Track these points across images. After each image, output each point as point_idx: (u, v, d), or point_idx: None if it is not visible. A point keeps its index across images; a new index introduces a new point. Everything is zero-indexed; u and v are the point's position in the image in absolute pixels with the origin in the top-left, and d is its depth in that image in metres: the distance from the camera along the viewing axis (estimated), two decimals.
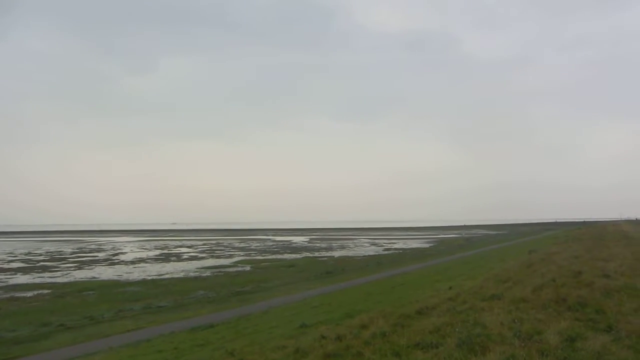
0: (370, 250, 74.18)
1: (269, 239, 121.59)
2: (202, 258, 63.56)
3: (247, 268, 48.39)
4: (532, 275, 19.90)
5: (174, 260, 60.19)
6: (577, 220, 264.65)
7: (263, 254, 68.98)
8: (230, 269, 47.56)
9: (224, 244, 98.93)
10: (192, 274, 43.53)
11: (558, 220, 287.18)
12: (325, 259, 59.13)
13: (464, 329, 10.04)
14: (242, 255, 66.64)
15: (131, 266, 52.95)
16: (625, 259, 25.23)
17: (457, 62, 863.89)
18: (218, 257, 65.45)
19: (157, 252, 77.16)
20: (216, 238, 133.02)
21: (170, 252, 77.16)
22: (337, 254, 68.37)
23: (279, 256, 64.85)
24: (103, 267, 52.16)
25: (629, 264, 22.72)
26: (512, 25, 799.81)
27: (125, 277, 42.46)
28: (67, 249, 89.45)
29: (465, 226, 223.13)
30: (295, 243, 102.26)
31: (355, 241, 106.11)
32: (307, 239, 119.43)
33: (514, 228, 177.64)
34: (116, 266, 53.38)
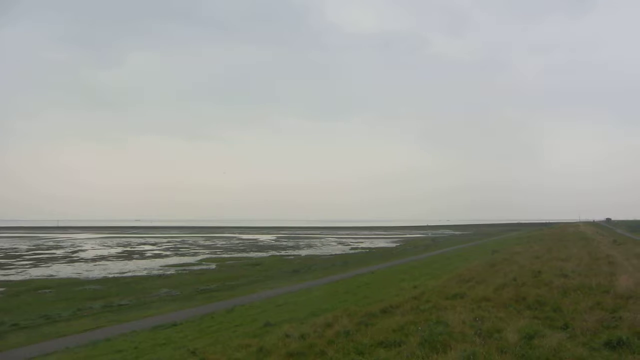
0: (337, 249, 74.53)
1: (235, 237, 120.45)
2: (167, 256, 62.38)
3: (213, 266, 47.77)
4: (494, 275, 20.42)
5: (137, 258, 58.82)
6: (539, 222, 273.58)
7: (229, 252, 68.26)
8: (195, 267, 46.85)
9: (189, 242, 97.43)
10: (155, 272, 42.63)
11: (521, 222, 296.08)
12: (292, 257, 59.04)
13: (426, 328, 10.19)
14: (208, 254, 65.75)
15: (91, 264, 51.40)
16: (582, 259, 26.23)
17: (427, 63, 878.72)
18: (183, 255, 64.38)
19: (120, 249, 75.27)
20: (181, 236, 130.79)
21: (133, 249, 75.40)
22: (304, 252, 68.37)
23: (245, 254, 64.33)
24: (61, 265, 50.41)
25: (585, 264, 23.62)
26: (482, 28, 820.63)
27: (85, 275, 41.17)
28: (23, 245, 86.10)
29: (429, 226, 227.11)
30: (262, 241, 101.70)
31: (322, 240, 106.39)
32: (274, 238, 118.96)
33: (479, 229, 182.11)
34: (75, 264, 51.70)
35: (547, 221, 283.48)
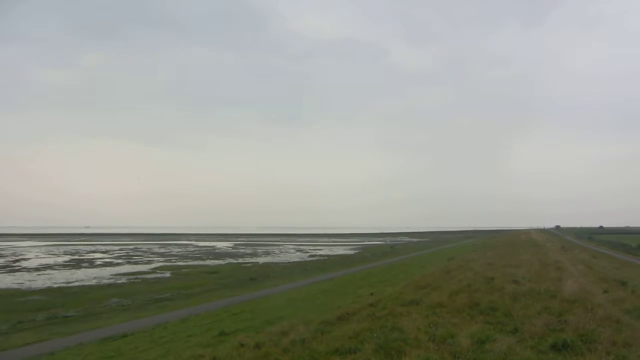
0: (296, 257, 74.25)
1: (191, 245, 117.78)
2: (118, 264, 60.16)
3: (167, 274, 46.48)
4: (449, 281, 20.88)
5: (85, 267, 56.37)
6: (493, 229, 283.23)
7: (184, 260, 66.66)
8: (149, 276, 45.41)
9: (143, 249, 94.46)
10: (105, 281, 41.01)
11: (477, 229, 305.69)
12: (250, 265, 58.34)
13: (382, 334, 10.24)
14: (162, 261, 63.95)
15: (35, 273, 48.72)
16: (533, 266, 27.26)
17: (386, 72, 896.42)
18: (135, 263, 62.30)
19: (67, 257, 71.87)
20: (134, 243, 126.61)
21: (81, 257, 72.25)
22: (261, 260, 67.71)
23: (201, 262, 63.00)
24: (1, 275, 47.58)
25: (535, 270, 24.55)
26: (441, 38, 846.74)
27: (27, 285, 39.00)
28: None
29: (388, 233, 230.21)
30: (219, 249, 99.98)
31: (280, 247, 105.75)
32: (232, 245, 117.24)
33: (437, 236, 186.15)
34: (17, 273, 48.80)
35: (501, 228, 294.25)
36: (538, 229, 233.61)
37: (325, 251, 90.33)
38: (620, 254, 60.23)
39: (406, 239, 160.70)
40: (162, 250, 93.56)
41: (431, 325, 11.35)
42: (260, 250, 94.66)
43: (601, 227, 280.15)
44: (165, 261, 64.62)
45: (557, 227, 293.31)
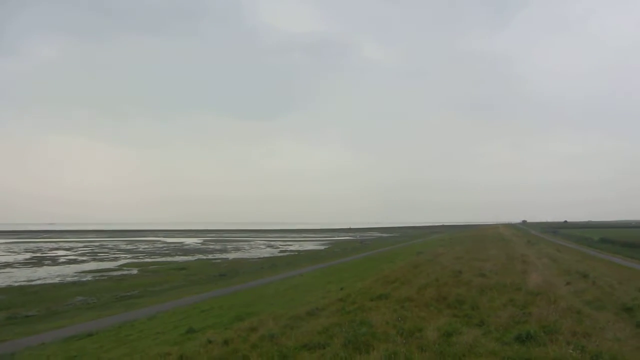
0: (266, 252, 73.92)
1: (160, 241, 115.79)
2: (83, 261, 58.53)
3: (134, 271, 45.50)
4: (418, 276, 21.15)
5: (48, 265, 54.59)
6: (462, 224, 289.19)
7: (152, 257, 65.43)
8: (115, 273, 44.36)
9: (109, 246, 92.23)
10: (69, 279, 39.81)
11: (446, 224, 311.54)
12: (219, 261, 57.73)
13: (350, 329, 10.29)
14: (129, 258, 62.59)
15: None
16: (499, 259, 27.91)
17: (356, 67, 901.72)
18: (101, 260, 60.76)
19: (28, 255, 69.44)
20: (100, 240, 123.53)
21: (44, 255, 69.95)
22: (231, 256, 67.11)
23: (170, 258, 61.98)
24: None
25: (502, 264, 25.15)
26: (409, 36, 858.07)
27: None
28: None
29: (358, 229, 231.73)
30: (188, 245, 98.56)
31: (250, 243, 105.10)
32: (201, 241, 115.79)
33: (406, 231, 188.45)
34: None
35: (470, 223, 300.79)
36: (505, 223, 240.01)
37: (295, 247, 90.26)
38: (583, 247, 62.48)
39: (376, 234, 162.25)
40: (129, 246, 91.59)
41: (399, 319, 11.47)
42: (230, 246, 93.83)
43: (565, 221, 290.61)
44: (133, 258, 63.27)
45: (524, 221, 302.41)
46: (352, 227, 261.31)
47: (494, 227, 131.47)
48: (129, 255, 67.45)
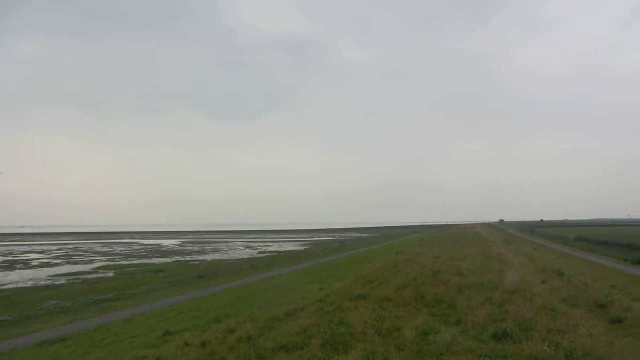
0: (245, 254, 73.43)
1: (136, 243, 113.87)
2: (57, 264, 57.16)
3: (110, 274, 44.64)
4: (397, 275, 21.25)
5: (20, 268, 53.13)
6: (441, 224, 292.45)
7: (128, 259, 64.32)
8: (90, 276, 43.43)
9: (83, 249, 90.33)
10: (42, 283, 38.83)
11: (425, 223, 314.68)
12: (197, 262, 57.10)
13: (329, 329, 10.26)
14: (105, 261, 61.39)
15: None
16: (477, 258, 28.24)
17: (337, 67, 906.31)
18: (75, 262, 59.44)
19: None
20: (74, 242, 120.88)
21: (15, 258, 68.06)
22: (209, 257, 66.47)
23: (147, 260, 61.03)
24: None
25: (479, 263, 25.46)
26: (389, 36, 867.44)
27: None
28: None
29: (334, 229, 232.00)
30: (166, 246, 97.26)
31: (229, 244, 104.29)
32: (179, 242, 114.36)
33: (386, 231, 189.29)
34: None
35: (448, 223, 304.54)
36: (483, 223, 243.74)
37: (274, 247, 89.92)
38: (559, 245, 63.88)
39: (356, 234, 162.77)
40: (105, 249, 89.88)
41: (378, 318, 11.49)
42: (208, 247, 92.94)
43: (542, 220, 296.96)
44: (108, 260, 62.08)
45: (501, 221, 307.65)
46: (331, 227, 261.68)
47: (472, 227, 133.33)
48: (104, 258, 66.16)
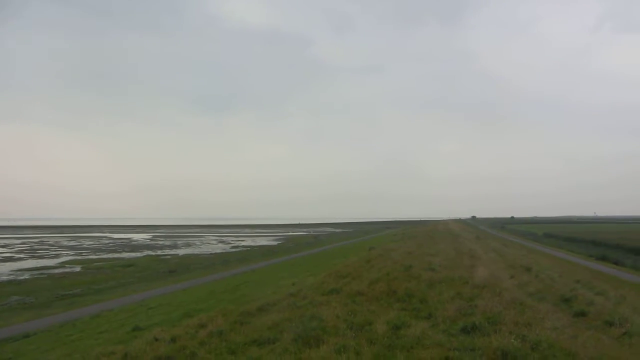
0: (218, 248, 72.76)
1: (106, 237, 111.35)
2: (20, 259, 55.34)
3: (77, 269, 43.53)
4: (369, 270, 21.37)
5: None
6: (414, 220, 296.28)
7: (97, 253, 62.86)
8: (56, 271, 42.24)
9: (49, 243, 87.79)
10: (4, 278, 37.52)
11: (398, 219, 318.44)
12: (169, 257, 56.28)
13: (301, 324, 10.24)
14: (72, 255, 59.82)
15: None
16: (448, 254, 28.67)
17: (309, 64, 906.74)
18: (41, 257, 57.68)
19: None
20: (40, 236, 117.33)
21: None
22: (181, 252, 65.58)
23: (117, 255, 59.78)
24: None
25: (451, 258, 25.85)
26: (365, 34, 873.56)
27: None
28: None
29: (308, 224, 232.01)
30: (136, 241, 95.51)
31: (202, 239, 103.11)
32: (150, 237, 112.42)
33: (359, 226, 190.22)
34: None
35: (421, 219, 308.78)
36: (456, 219, 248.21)
37: (248, 242, 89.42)
38: (528, 242, 65.64)
39: (330, 229, 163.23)
40: (72, 243, 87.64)
41: (350, 313, 11.53)
42: (180, 241, 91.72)
43: (512, 217, 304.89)
44: (76, 255, 60.53)
45: (474, 217, 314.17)
46: (305, 222, 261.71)
47: (445, 223, 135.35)
48: (71, 252, 64.48)
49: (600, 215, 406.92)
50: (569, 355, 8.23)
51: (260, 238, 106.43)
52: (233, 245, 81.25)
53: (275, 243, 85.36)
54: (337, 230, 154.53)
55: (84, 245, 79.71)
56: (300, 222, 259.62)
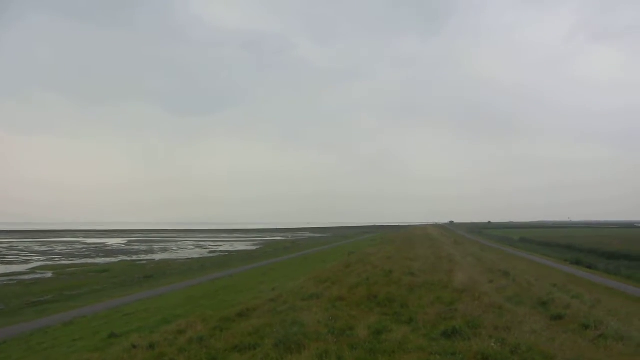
0: (195, 253, 71.81)
1: (79, 242, 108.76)
2: None
3: (49, 274, 42.35)
4: (349, 275, 21.36)
5: None
6: (393, 225, 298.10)
7: (70, 259, 61.30)
8: (26, 277, 40.98)
9: (19, 248, 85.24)
10: None
11: (377, 224, 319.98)
12: (145, 262, 55.26)
13: (282, 329, 10.14)
14: (43, 261, 58.18)
15: None
16: (428, 259, 28.86)
17: (291, 66, 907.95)
18: (10, 263, 55.93)
19: None
20: (8, 241, 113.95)
21: None
22: (158, 257, 64.52)
23: (90, 260, 58.42)
24: None
25: (430, 263, 26.03)
26: (347, 38, 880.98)
27: None
28: None
29: (287, 229, 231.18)
30: (111, 246, 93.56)
31: (179, 243, 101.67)
32: (125, 241, 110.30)
33: (338, 231, 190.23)
34: None
35: (400, 224, 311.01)
36: (434, 224, 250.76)
37: (226, 247, 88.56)
38: (505, 246, 66.65)
39: (308, 234, 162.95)
40: (44, 248, 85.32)
41: (331, 318, 11.48)
42: (156, 246, 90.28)
43: (489, 222, 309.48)
44: (47, 260, 58.93)
45: (451, 222, 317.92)
46: (283, 227, 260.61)
47: (424, 228, 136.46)
48: (42, 258, 62.73)
49: (575, 220, 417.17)
50: (547, 358, 8.35)
51: (238, 243, 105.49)
52: (211, 250, 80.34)
53: (253, 248, 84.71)
54: (316, 235, 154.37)
55: (56, 251, 77.69)
56: (279, 227, 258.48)
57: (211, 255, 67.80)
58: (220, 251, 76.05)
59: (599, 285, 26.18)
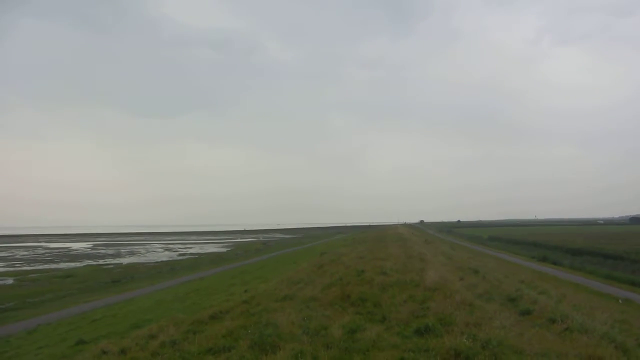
0: (164, 256, 70.57)
1: (41, 247, 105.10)
2: None
3: (10, 281, 40.85)
4: (322, 276, 21.36)
5: None
6: (363, 225, 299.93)
7: (32, 264, 59.23)
8: None
9: None
10: None
11: (347, 224, 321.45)
12: (112, 266, 53.98)
13: (256, 331, 10.07)
14: (3, 267, 56.04)
15: None
16: (399, 258, 29.10)
17: (261, 67, 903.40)
18: None
19: None
20: None
21: None
22: (125, 260, 63.11)
23: (54, 265, 56.62)
24: None
25: (402, 262, 26.26)
26: (319, 38, 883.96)
27: None
28: None
29: (257, 231, 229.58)
30: (75, 250, 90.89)
31: (147, 247, 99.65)
32: (90, 245, 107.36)
33: (309, 232, 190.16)
34: None
35: (371, 224, 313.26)
36: (404, 224, 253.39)
37: (196, 249, 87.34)
38: (475, 245, 68.15)
39: (279, 235, 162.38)
40: (4, 253, 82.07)
41: (305, 318, 11.46)
42: (123, 250, 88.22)
43: (459, 221, 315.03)
44: (8, 266, 56.78)
45: (421, 222, 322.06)
46: (254, 228, 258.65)
47: (394, 228, 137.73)
48: (2, 264, 60.40)
49: (540, 218, 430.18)
50: (516, 352, 8.56)
51: (208, 245, 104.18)
52: (180, 252, 79.11)
53: (224, 250, 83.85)
54: (287, 236, 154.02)
55: (17, 256, 74.87)
56: (249, 229, 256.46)
57: (181, 258, 66.79)
58: (190, 254, 74.99)
59: (565, 281, 27.12)
